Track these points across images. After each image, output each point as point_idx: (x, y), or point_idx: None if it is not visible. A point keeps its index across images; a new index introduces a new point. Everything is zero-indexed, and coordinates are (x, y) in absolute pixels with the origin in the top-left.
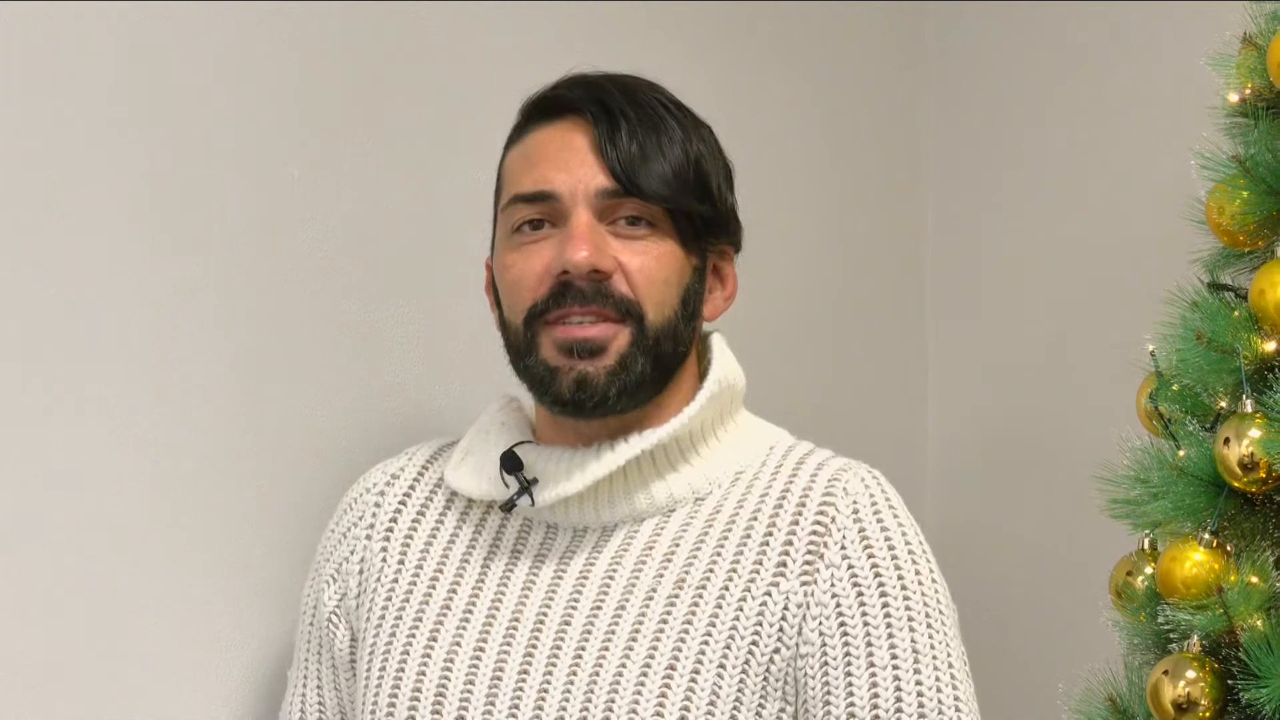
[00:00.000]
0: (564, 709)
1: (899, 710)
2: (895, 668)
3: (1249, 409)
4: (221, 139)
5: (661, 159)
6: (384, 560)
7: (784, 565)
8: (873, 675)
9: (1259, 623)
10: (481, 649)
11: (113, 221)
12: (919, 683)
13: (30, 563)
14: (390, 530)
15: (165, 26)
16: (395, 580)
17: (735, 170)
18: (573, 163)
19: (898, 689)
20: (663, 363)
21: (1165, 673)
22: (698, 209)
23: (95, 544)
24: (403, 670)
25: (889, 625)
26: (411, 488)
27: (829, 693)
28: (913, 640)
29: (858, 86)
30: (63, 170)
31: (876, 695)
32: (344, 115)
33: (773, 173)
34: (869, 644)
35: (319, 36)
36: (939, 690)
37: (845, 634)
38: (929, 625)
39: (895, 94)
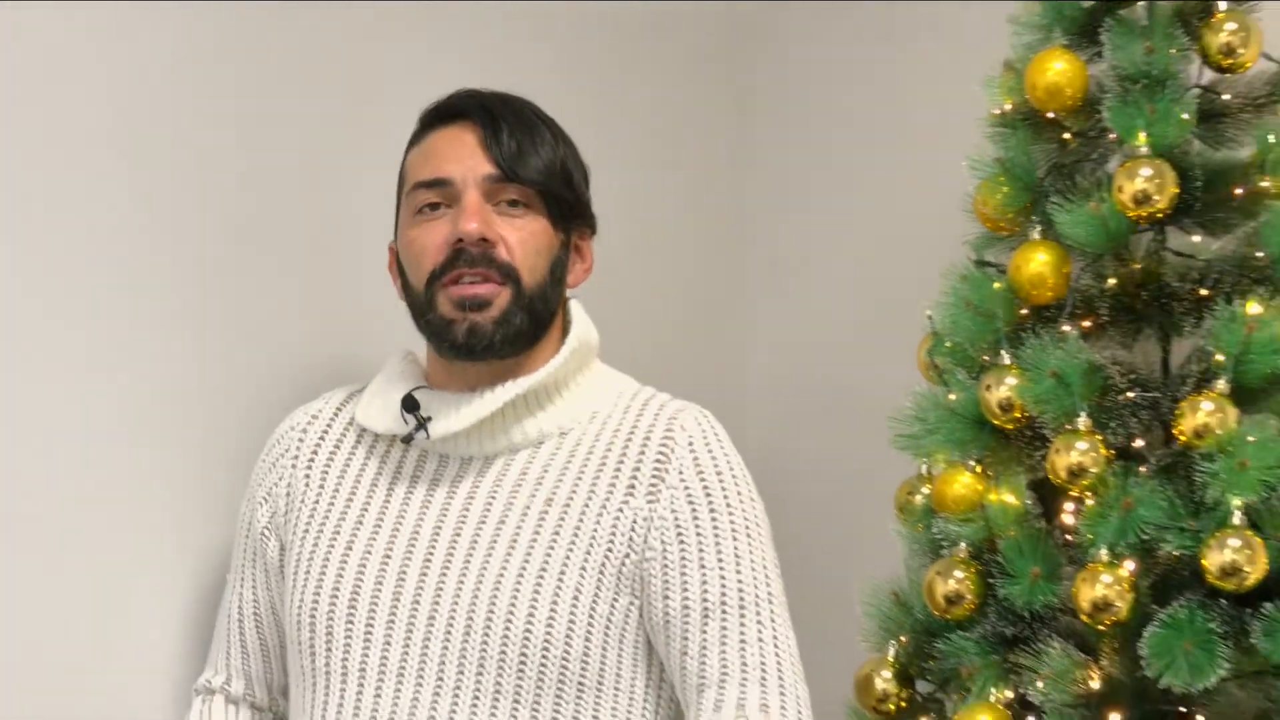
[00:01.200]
0: (455, 605)
1: (723, 601)
2: (721, 568)
3: (1006, 361)
4: (174, 132)
5: (535, 154)
6: (306, 485)
7: (633, 487)
8: (703, 574)
9: (1013, 532)
10: (388, 557)
11: (83, 201)
12: (740, 581)
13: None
14: (312, 460)
15: (107, 26)
16: (316, 502)
17: (592, 164)
18: (464, 155)
19: (722, 585)
20: (536, 318)
21: (938, 573)
22: (564, 194)
23: (67, 464)
24: (324, 575)
25: (716, 535)
26: (328, 425)
27: (668, 587)
28: (735, 547)
29: (696, 94)
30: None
31: (706, 589)
32: (316, 121)
33: (621, 161)
34: (700, 549)
35: (247, 48)
36: (755, 586)
37: (681, 541)
38: (748, 535)
39: (725, 99)
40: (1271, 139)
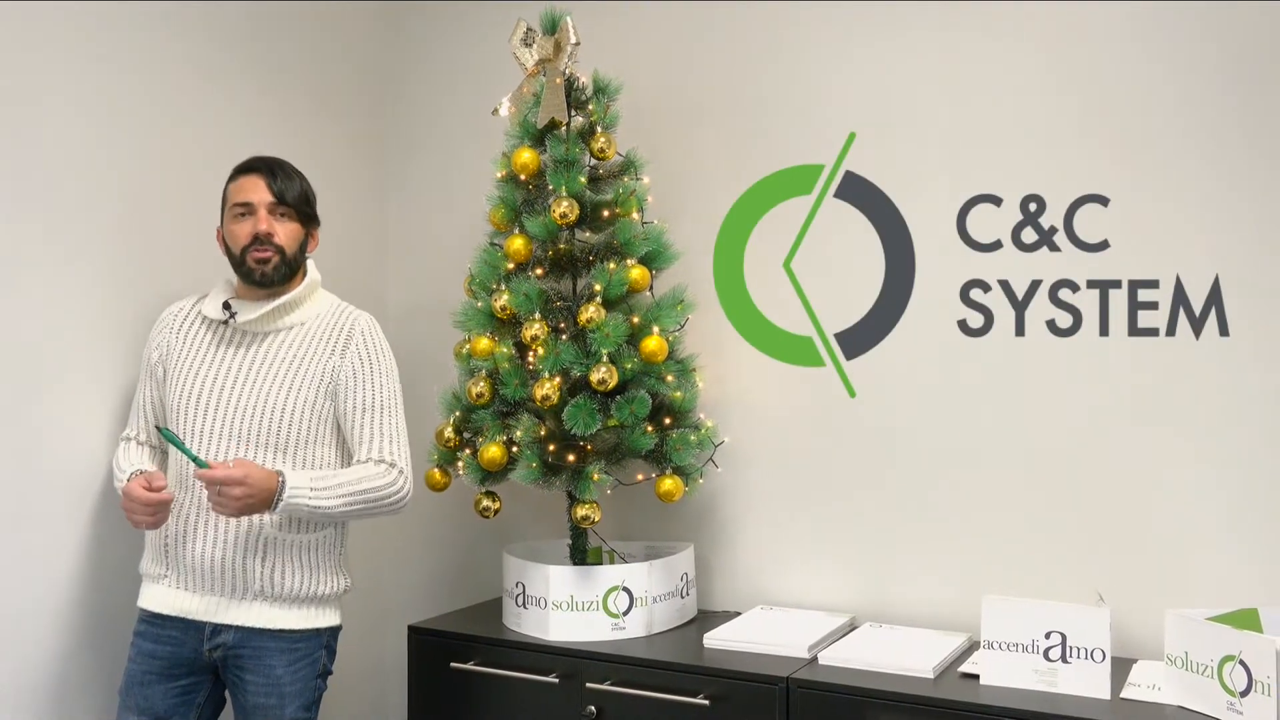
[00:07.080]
0: (246, 400)
1: (372, 405)
2: (372, 390)
3: (504, 288)
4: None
5: (292, 190)
6: (177, 340)
7: (334, 350)
8: (363, 392)
9: (506, 365)
10: (216, 377)
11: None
12: (381, 396)
13: None
14: (179, 329)
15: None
16: (182, 349)
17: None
18: (258, 190)
19: (372, 397)
20: (291, 270)
21: (471, 383)
22: (306, 210)
23: (34, 321)
24: (186, 383)
25: (371, 374)
26: (188, 313)
27: (348, 397)
28: (380, 380)
29: (351, 122)
30: None
31: (365, 399)
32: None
33: (313, 176)
34: (363, 381)
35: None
36: (386, 399)
37: (355, 376)
38: (385, 375)
39: (368, 124)
40: (620, 191)
